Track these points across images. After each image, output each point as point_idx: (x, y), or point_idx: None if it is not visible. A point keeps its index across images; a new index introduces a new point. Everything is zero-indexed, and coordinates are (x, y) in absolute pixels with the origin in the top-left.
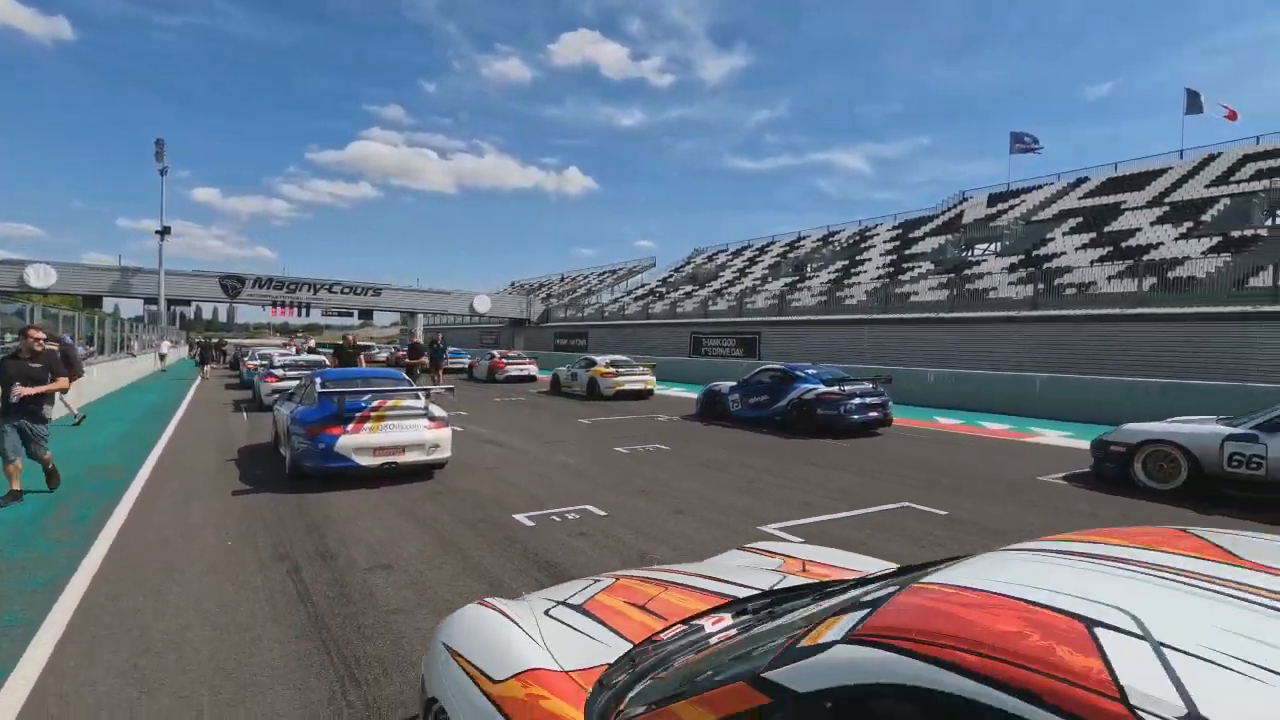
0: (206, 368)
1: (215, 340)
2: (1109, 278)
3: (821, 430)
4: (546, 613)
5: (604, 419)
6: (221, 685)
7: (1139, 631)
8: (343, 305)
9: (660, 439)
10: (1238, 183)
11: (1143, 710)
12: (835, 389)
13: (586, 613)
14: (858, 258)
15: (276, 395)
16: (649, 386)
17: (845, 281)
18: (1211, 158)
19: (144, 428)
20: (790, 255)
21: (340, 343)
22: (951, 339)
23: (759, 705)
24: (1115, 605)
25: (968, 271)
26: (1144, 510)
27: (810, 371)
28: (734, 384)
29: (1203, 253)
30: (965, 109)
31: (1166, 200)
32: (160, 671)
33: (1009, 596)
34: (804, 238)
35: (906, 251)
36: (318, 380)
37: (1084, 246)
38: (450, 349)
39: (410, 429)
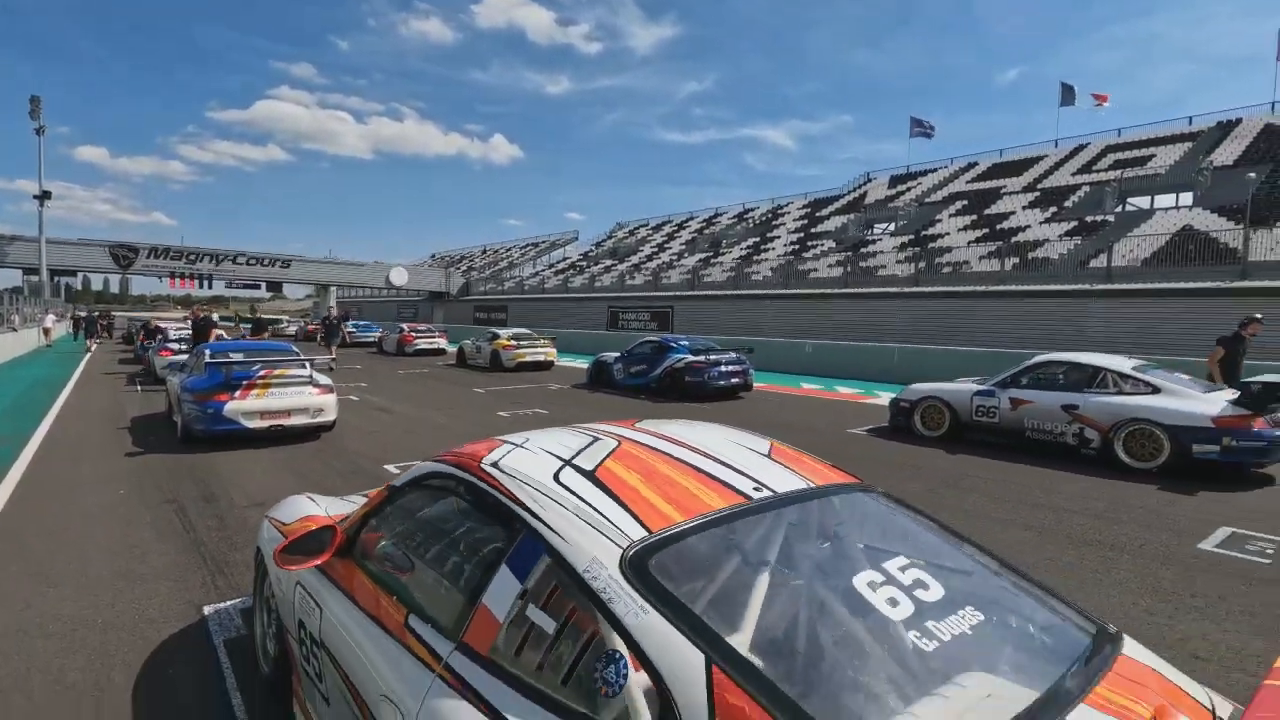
0: (90, 343)
1: (99, 313)
2: (980, 257)
3: (689, 395)
4: (344, 496)
5: (499, 388)
6: (116, 582)
7: (528, 444)
8: (249, 277)
9: (544, 404)
10: (1098, 172)
11: (483, 463)
12: (701, 358)
13: (362, 495)
14: (768, 235)
15: (170, 368)
16: (550, 358)
17: (754, 258)
18: (1080, 148)
19: (31, 401)
20: (707, 231)
21: (200, 317)
22: (844, 313)
23: (387, 490)
24: (531, 437)
25: (864, 250)
26: (911, 452)
27: (682, 342)
28: (618, 354)
29: (1059, 236)
30: (885, 90)
31: (1038, 187)
32: (65, 575)
33: (506, 439)
34: (721, 214)
35: (813, 230)
36: (206, 352)
37: (965, 228)
38: (358, 323)
39: (296, 395)
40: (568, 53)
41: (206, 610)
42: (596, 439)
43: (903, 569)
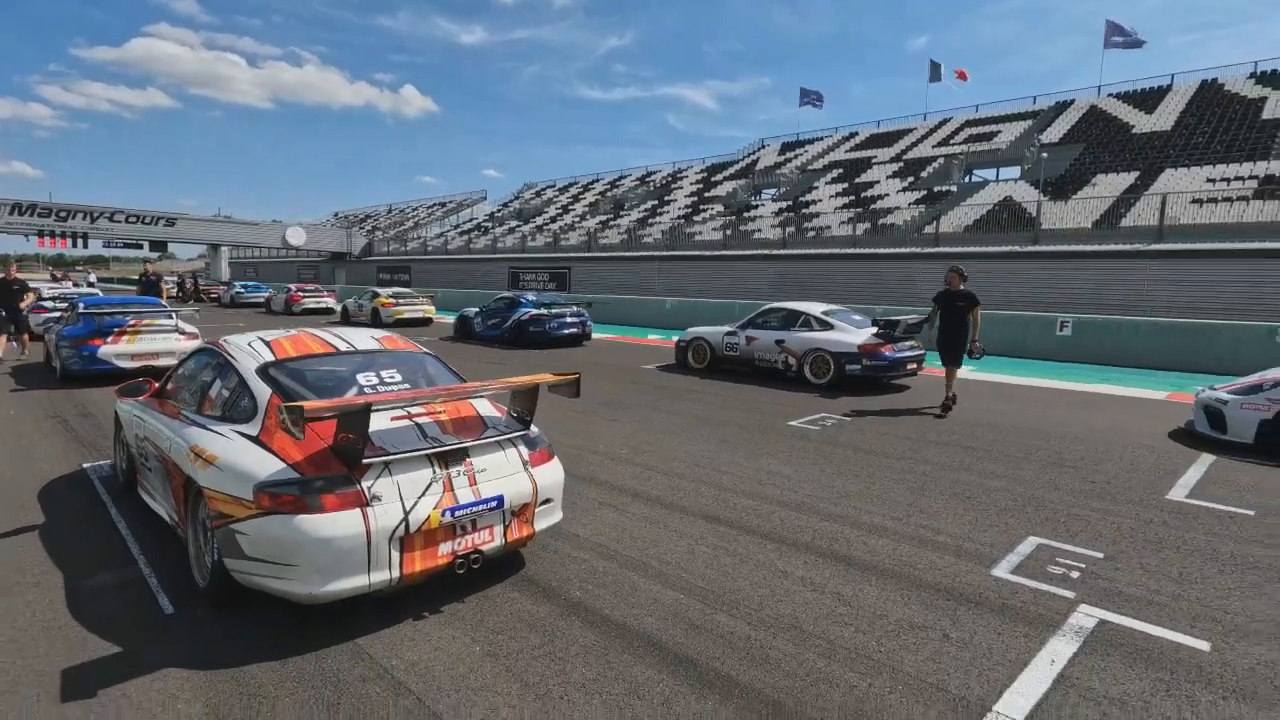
0: None
1: None
2: (840, 223)
3: (533, 343)
4: None
5: None
6: (14, 461)
7: (248, 333)
8: (130, 236)
9: None
10: (954, 145)
11: (219, 340)
12: (544, 311)
13: None
14: (666, 198)
15: (48, 325)
16: (427, 314)
17: (650, 220)
18: (944, 122)
19: None
20: (610, 193)
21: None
22: (722, 274)
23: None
24: (255, 331)
25: (747, 214)
26: (674, 378)
27: (530, 298)
28: (477, 310)
29: (909, 204)
30: (803, 53)
31: (903, 158)
32: None
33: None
34: (625, 176)
35: (707, 194)
36: (80, 305)
37: (836, 195)
38: (246, 284)
39: (163, 340)
40: (482, 1)
41: (85, 465)
42: (289, 330)
43: (389, 374)
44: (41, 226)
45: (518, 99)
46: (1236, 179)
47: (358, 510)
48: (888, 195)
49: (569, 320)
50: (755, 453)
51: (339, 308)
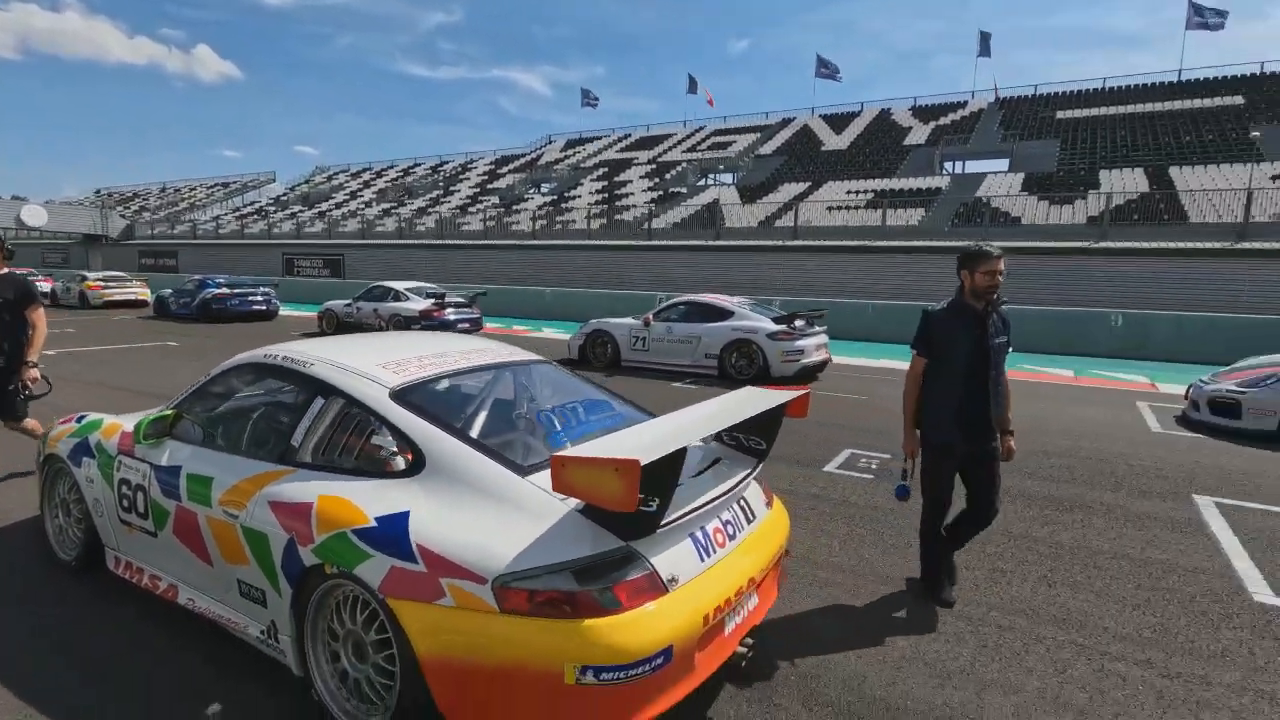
0: None
1: None
2: (585, 216)
3: (215, 318)
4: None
5: (86, 317)
6: None
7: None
8: None
9: (98, 329)
10: (699, 151)
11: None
12: (226, 290)
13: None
14: (452, 188)
15: None
16: (141, 297)
17: (430, 210)
18: (698, 130)
19: None
20: (402, 181)
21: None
22: (488, 262)
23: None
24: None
25: (515, 207)
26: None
27: (220, 280)
28: (174, 290)
29: (646, 202)
30: (633, 45)
31: (657, 160)
32: None
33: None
34: (418, 165)
35: (489, 185)
36: None
37: (596, 192)
38: None
39: None
40: None
41: None
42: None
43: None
44: None
45: (334, 71)
46: (863, 192)
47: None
48: (633, 194)
49: (255, 298)
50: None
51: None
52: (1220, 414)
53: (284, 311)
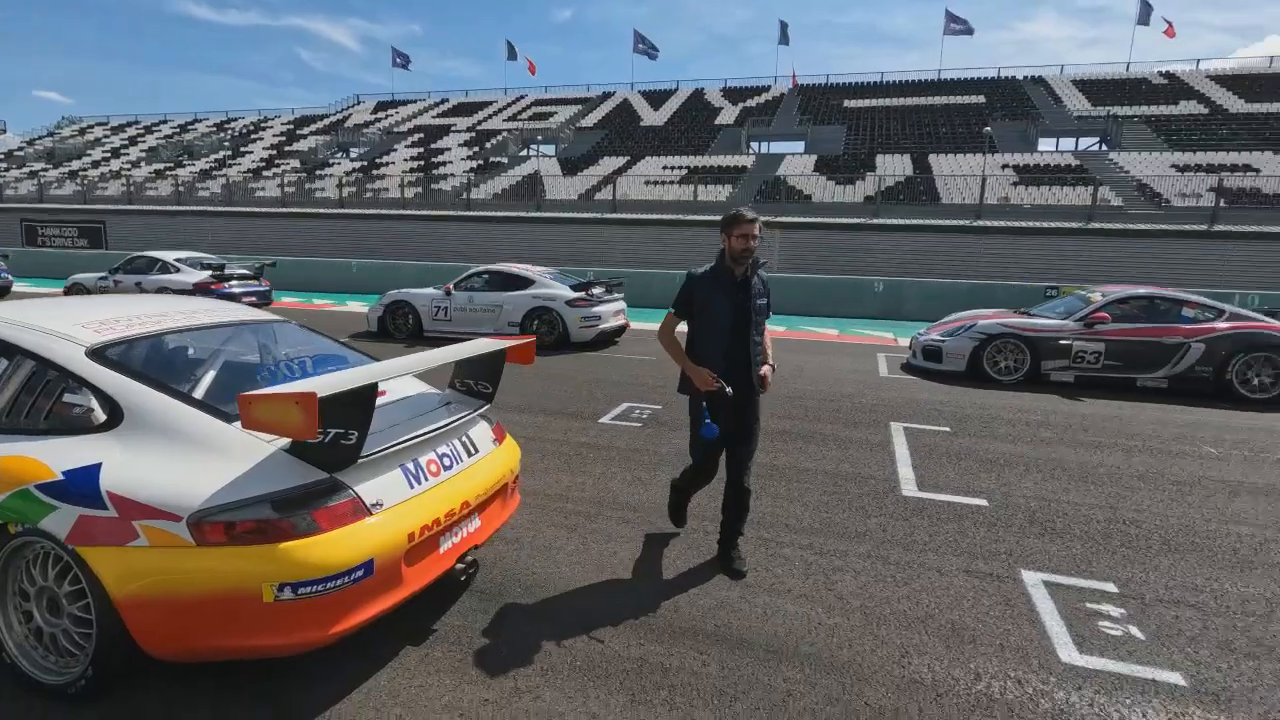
0: None
1: None
2: (401, 185)
3: None
4: None
5: None
6: None
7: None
8: None
9: None
10: (520, 121)
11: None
12: None
13: None
14: (243, 149)
15: None
16: None
17: (216, 172)
18: (520, 98)
19: None
20: (180, 139)
21: None
22: (287, 232)
23: None
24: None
25: (319, 172)
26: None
27: None
28: None
29: (465, 171)
30: (452, 3)
31: (477, 128)
32: None
33: None
34: (199, 120)
35: (288, 147)
36: None
37: (410, 159)
38: None
39: None
40: None
41: None
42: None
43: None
44: None
45: (93, 6)
46: (678, 168)
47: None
48: (452, 163)
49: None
50: None
51: None
52: (929, 359)
53: (19, 287)
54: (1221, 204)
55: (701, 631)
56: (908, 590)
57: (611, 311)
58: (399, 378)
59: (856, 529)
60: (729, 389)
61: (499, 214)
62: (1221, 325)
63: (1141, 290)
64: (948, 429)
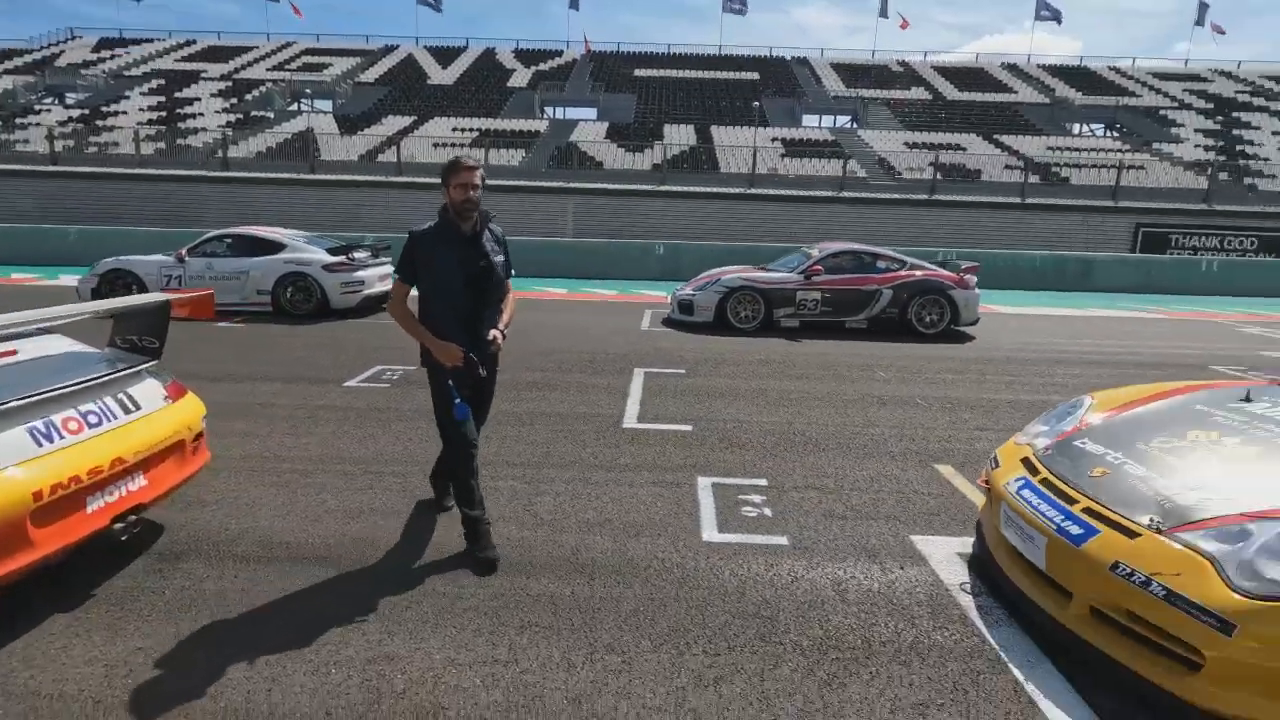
0: None
1: None
2: (136, 140)
3: None
4: None
5: None
6: None
7: None
8: None
9: None
10: (288, 71)
11: None
12: None
13: None
14: None
15: None
16: None
17: None
18: (286, 45)
19: None
20: None
21: None
22: None
23: None
24: None
25: (22, 120)
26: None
27: None
28: None
29: (222, 125)
30: None
31: (234, 77)
32: None
33: None
34: None
35: None
36: None
37: (149, 109)
38: None
39: None
40: None
41: None
42: None
43: None
44: None
45: None
46: (469, 130)
47: None
48: (203, 115)
49: None
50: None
51: None
52: (684, 313)
53: None
54: (938, 177)
55: (393, 558)
56: (597, 503)
57: (377, 276)
58: (36, 337)
59: (570, 459)
60: (482, 368)
61: (263, 175)
62: (903, 274)
63: (846, 246)
64: (683, 371)
